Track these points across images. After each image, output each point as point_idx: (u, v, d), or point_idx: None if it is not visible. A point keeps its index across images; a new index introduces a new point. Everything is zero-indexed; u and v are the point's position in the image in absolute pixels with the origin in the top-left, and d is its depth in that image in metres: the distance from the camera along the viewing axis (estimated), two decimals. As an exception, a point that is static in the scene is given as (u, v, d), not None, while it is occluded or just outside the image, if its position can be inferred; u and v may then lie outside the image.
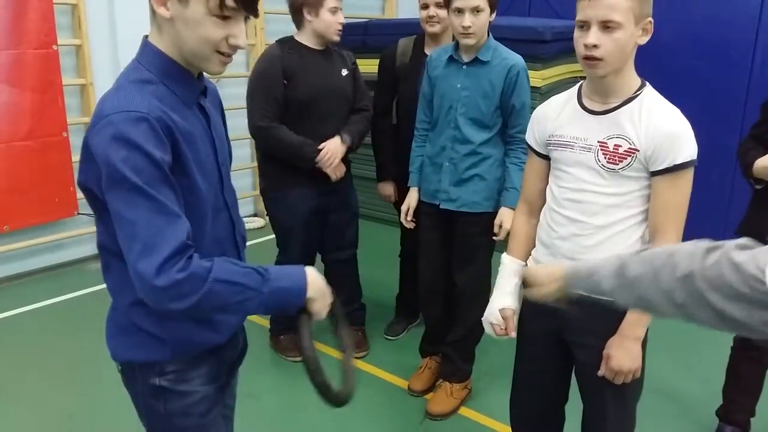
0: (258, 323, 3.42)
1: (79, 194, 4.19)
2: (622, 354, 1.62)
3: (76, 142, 4.22)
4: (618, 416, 1.79)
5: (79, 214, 4.28)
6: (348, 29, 5.43)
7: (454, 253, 2.73)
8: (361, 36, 5.26)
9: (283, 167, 2.90)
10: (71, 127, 4.18)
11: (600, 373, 1.68)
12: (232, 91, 5.45)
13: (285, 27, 5.59)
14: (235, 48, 1.22)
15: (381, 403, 2.88)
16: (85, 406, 2.82)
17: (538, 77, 4.21)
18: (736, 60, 4.46)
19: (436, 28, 2.90)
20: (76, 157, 4.13)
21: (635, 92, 1.60)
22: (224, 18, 1.18)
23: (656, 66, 4.79)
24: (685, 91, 4.62)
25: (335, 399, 1.35)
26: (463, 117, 2.54)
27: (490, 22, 2.47)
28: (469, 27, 2.39)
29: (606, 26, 1.50)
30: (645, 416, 2.74)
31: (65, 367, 3.14)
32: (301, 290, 1.27)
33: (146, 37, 1.26)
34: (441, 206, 2.66)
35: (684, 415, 2.79)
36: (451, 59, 2.56)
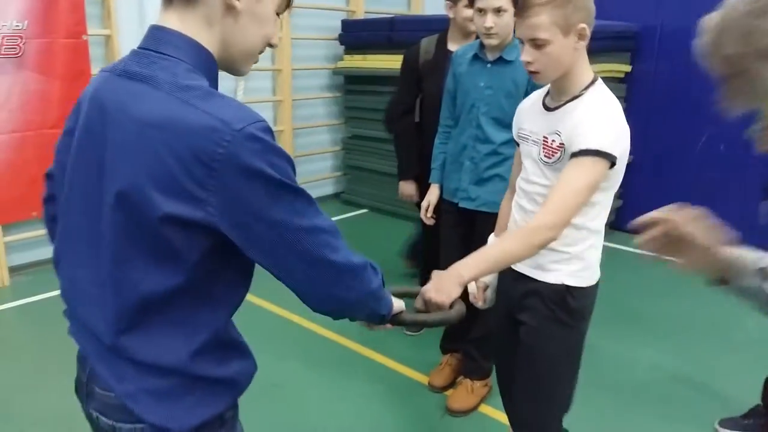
0: (272, 311, 3.44)
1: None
2: (435, 284, 1.51)
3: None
4: (534, 397, 1.86)
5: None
6: (373, 25, 5.51)
7: (473, 251, 2.72)
8: (387, 32, 5.27)
9: None
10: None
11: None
12: (259, 84, 5.52)
13: (309, 21, 5.66)
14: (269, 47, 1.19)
15: (401, 398, 2.89)
16: (53, 412, 2.71)
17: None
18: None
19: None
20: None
21: (581, 90, 1.66)
22: (278, 16, 1.16)
23: (688, 74, 4.75)
24: (714, 100, 4.59)
25: (458, 318, 1.46)
26: (485, 116, 2.53)
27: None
28: (491, 27, 2.38)
29: (535, 44, 1.59)
30: (646, 405, 2.75)
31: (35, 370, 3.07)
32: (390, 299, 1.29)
33: (163, 29, 1.06)
34: (460, 205, 2.66)
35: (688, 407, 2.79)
36: (475, 57, 2.55)
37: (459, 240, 2.74)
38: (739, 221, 4.58)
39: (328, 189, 6.28)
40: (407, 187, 3.27)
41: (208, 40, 1.07)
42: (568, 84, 1.67)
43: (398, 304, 1.31)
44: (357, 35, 5.61)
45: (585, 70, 1.67)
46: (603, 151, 1.54)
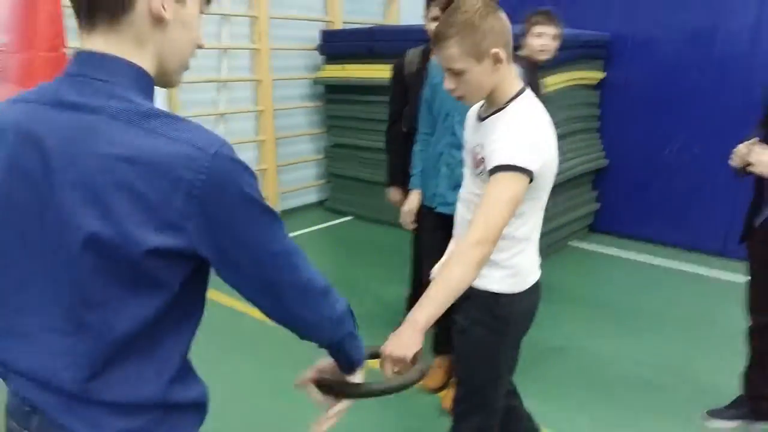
0: (245, 312, 3.44)
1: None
2: (393, 340, 1.52)
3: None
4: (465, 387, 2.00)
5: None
6: (355, 35, 5.56)
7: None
8: (368, 42, 5.33)
9: None
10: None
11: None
12: (240, 94, 5.55)
13: (288, 32, 5.70)
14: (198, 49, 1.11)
15: (396, 401, 2.88)
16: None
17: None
18: (733, 71, 4.55)
19: None
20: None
21: (506, 102, 1.71)
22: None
23: (659, 80, 4.87)
24: (685, 103, 4.74)
25: (419, 378, 1.42)
26: (459, 124, 2.56)
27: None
28: None
29: (453, 72, 1.67)
30: (630, 399, 2.80)
31: None
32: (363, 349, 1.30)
33: (96, 53, 1.01)
34: (437, 210, 2.72)
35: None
36: (451, 66, 2.61)
37: (439, 244, 2.79)
38: (713, 223, 4.72)
39: (312, 197, 6.32)
40: (394, 193, 3.35)
41: (141, 60, 1.00)
42: (494, 98, 1.73)
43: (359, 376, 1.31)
44: (336, 45, 5.67)
45: (510, 84, 1.71)
46: (517, 165, 1.58)
